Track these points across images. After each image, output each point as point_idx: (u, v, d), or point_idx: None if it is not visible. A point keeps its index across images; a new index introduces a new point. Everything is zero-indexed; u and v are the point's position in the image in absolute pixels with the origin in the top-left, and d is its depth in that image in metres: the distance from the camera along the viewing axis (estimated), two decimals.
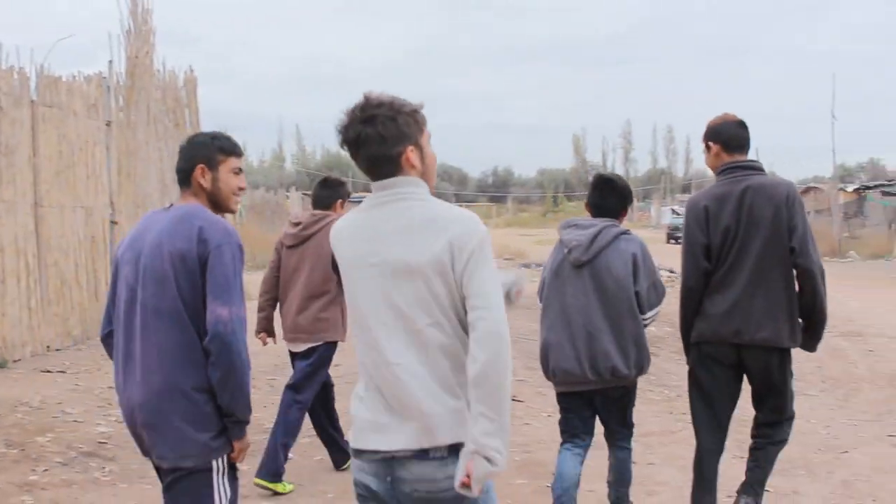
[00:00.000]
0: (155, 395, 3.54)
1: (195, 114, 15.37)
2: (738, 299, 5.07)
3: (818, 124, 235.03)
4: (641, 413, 8.65)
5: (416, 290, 2.98)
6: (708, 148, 5.33)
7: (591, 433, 5.47)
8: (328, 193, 6.77)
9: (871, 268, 29.14)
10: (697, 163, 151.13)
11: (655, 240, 61.08)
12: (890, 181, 55.53)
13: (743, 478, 5.42)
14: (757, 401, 5.53)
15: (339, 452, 6.82)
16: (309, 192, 46.33)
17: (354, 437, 3.13)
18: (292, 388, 6.50)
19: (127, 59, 13.47)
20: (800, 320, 5.22)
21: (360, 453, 3.12)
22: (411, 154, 3.09)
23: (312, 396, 6.56)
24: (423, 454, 2.99)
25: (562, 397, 5.44)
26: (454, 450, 2.95)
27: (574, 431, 5.41)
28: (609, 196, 5.51)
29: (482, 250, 2.98)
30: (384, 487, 3.06)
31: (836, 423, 8.69)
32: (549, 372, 5.35)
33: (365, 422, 3.10)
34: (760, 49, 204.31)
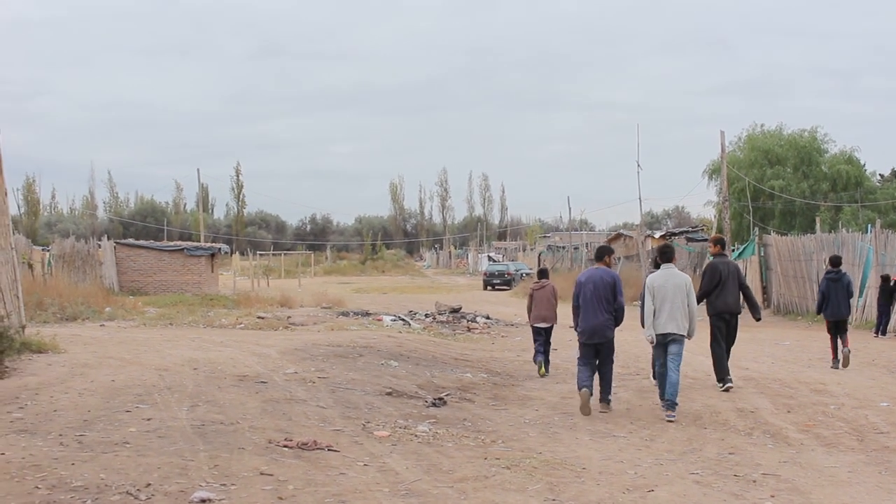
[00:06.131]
0: (603, 322, 12.03)
1: None
2: (729, 298, 13.97)
3: (627, 173, 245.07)
4: (455, 459, 8.76)
5: (682, 293, 12.00)
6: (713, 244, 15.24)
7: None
8: (544, 272, 17.59)
9: None
10: (513, 210, 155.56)
11: (472, 286, 62.04)
12: (694, 227, 58.31)
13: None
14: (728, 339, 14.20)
15: (547, 363, 16.06)
16: (123, 241, 44.63)
17: (663, 327, 11.96)
18: (548, 342, 16.22)
19: None
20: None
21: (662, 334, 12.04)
22: (675, 259, 12.79)
23: (549, 344, 16.30)
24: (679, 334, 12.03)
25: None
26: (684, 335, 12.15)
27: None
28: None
29: (690, 284, 12.22)
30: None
31: (643, 463, 9.01)
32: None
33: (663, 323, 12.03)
34: (566, 99, 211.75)
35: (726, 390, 13.38)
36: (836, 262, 17.53)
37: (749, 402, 12.58)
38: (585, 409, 11.78)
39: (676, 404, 11.72)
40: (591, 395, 11.94)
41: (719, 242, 14.92)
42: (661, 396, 12.03)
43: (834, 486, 8.28)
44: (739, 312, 14.15)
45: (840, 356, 16.62)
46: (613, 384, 12.78)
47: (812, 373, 15.83)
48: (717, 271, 14.01)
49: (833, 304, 16.95)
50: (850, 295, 17.24)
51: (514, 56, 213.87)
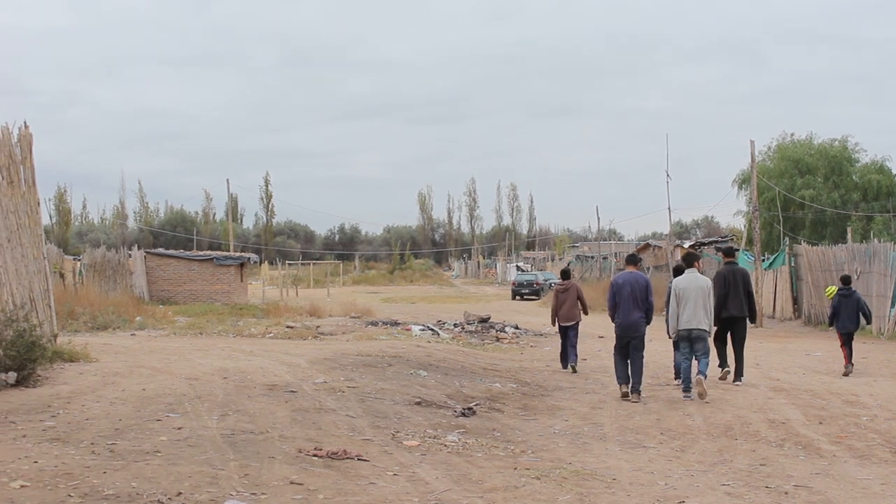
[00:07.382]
0: (635, 318, 14.19)
1: (30, 171, 14.82)
2: (731, 304, 15.99)
3: (656, 182, 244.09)
4: (485, 469, 8.74)
5: (703, 294, 14.05)
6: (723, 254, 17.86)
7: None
8: (567, 272, 19.48)
9: None
10: (541, 219, 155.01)
11: (501, 296, 61.93)
12: (723, 237, 57.95)
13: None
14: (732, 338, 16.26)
15: (565, 362, 17.89)
16: (152, 250, 44.76)
17: (687, 322, 14.10)
18: (574, 341, 17.96)
19: None
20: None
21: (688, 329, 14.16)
22: (698, 264, 14.85)
23: (576, 340, 18.07)
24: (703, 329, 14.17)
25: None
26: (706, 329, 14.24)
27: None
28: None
29: (711, 286, 14.45)
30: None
31: (673, 474, 8.96)
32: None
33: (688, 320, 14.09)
34: (595, 108, 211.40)
35: (723, 377, 15.77)
36: (846, 281, 18.79)
37: (780, 414, 12.49)
38: (625, 398, 14.01)
39: (705, 376, 13.99)
40: (629, 387, 14.10)
41: (727, 252, 17.45)
42: (685, 389, 14.03)
43: (867, 498, 8.20)
44: (744, 316, 16.21)
45: (851, 366, 17.79)
46: (644, 394, 14.09)
47: (844, 384, 15.71)
48: (722, 279, 16.13)
49: (843, 319, 18.23)
50: (859, 310, 18.48)
51: (542, 65, 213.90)
